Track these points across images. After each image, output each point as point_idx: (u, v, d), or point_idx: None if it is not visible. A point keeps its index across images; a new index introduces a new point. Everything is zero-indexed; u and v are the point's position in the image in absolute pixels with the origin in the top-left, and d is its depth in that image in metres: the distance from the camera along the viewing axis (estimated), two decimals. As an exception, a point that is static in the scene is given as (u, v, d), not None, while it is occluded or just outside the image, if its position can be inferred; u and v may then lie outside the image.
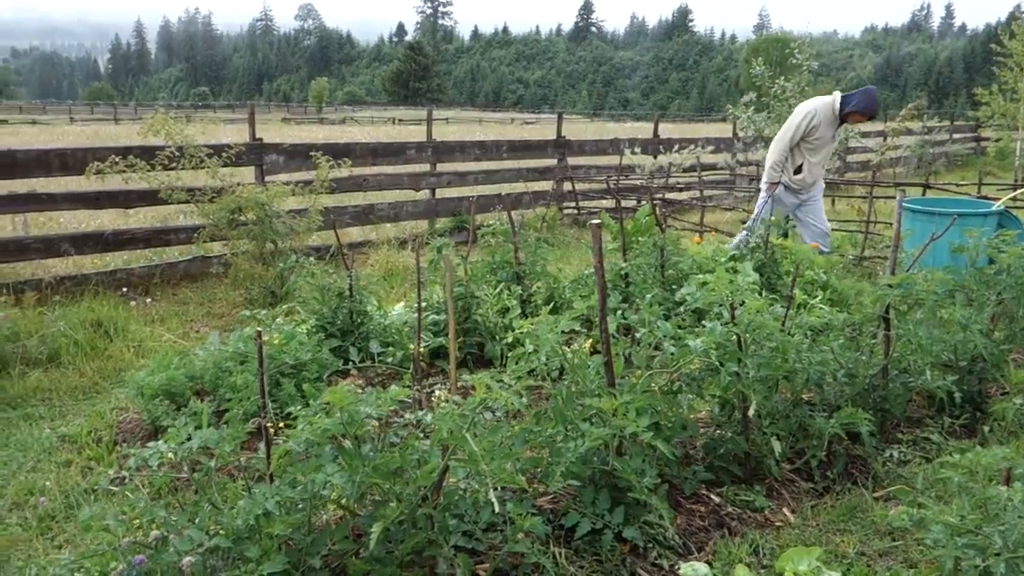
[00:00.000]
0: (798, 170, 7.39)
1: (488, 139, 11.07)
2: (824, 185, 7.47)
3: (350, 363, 4.69)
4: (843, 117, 7.13)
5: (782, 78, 10.05)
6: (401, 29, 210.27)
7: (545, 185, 11.19)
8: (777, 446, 3.51)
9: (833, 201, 11.78)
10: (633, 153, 11.60)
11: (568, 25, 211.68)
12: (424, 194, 9.85)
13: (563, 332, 3.18)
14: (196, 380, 4.38)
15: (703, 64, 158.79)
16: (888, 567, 3.09)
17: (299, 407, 2.83)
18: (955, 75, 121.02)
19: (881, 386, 4.14)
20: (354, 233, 9.33)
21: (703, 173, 11.12)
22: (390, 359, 4.83)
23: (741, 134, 12.18)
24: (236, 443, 2.60)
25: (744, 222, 9.52)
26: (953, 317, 4.26)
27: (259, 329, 2.74)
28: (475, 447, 2.34)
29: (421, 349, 4.80)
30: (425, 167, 9.78)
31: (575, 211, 10.73)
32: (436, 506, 2.58)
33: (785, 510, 3.55)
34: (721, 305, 3.74)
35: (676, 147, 11.83)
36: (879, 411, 4.13)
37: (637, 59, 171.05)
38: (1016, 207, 7.49)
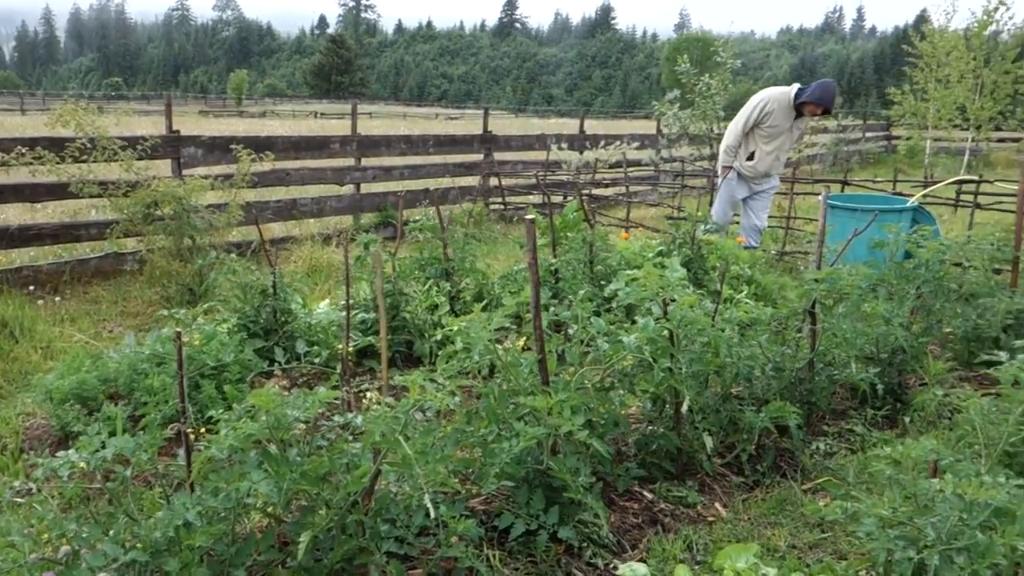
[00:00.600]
0: (751, 157, 7.51)
1: (414, 134, 10.93)
2: (779, 183, 7.56)
3: (274, 364, 4.55)
4: (798, 108, 7.26)
5: (707, 76, 10.15)
6: (323, 21, 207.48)
7: (472, 180, 11.11)
8: (709, 441, 3.51)
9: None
10: (560, 149, 11.60)
11: (492, 21, 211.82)
12: (348, 189, 9.67)
13: (495, 330, 3.12)
14: (110, 383, 4.19)
15: (625, 62, 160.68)
16: (819, 559, 3.11)
17: (221, 411, 2.71)
18: (866, 75, 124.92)
19: (807, 379, 4.19)
20: (276, 229, 9.11)
21: (628, 169, 11.18)
22: (316, 359, 4.70)
23: (665, 130, 12.29)
24: (153, 450, 2.46)
25: (670, 218, 9.62)
26: (875, 311, 4.33)
27: (178, 330, 2.60)
28: (408, 450, 2.25)
29: (349, 348, 4.69)
30: (350, 161, 9.59)
31: (502, 207, 10.68)
32: (367, 512, 2.48)
33: (717, 505, 3.55)
34: (652, 301, 3.72)
35: (602, 143, 11.87)
36: (805, 404, 4.18)
37: (561, 56, 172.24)
38: (928, 203, 7.70)
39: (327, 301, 5.49)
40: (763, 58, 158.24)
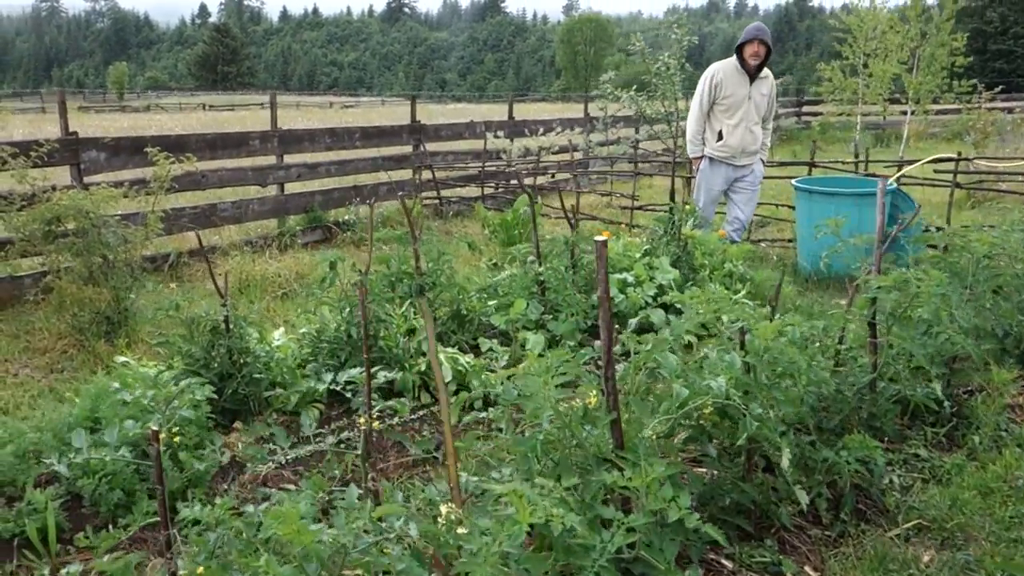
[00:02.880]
0: (720, 137, 6.98)
1: (339, 126, 10.04)
2: (762, 171, 7.00)
3: (235, 418, 3.73)
4: (741, 59, 6.74)
5: (666, 55, 9.59)
6: (204, 10, 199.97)
7: (404, 174, 10.28)
8: (803, 496, 2.88)
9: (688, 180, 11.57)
10: (496, 137, 10.89)
11: (380, 6, 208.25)
12: (272, 190, 8.74)
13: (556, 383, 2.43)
14: (24, 460, 3.31)
15: (517, 44, 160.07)
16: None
17: (196, 507, 1.95)
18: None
19: (869, 401, 3.63)
20: (193, 238, 8.12)
21: (562, 156, 10.56)
22: (280, 405, 3.91)
23: (601, 114, 11.74)
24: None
25: (625, 207, 9.03)
26: (939, 314, 3.80)
27: (154, 428, 1.82)
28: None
29: (319, 388, 3.91)
30: (271, 159, 8.66)
31: (436, 201, 9.90)
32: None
33: (808, 569, 2.95)
34: (727, 327, 3.08)
35: (541, 130, 11.22)
36: (869, 429, 3.62)
37: (452, 40, 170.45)
38: (902, 184, 7.31)
39: (281, 330, 4.66)
40: (653, 38, 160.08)
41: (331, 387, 3.99)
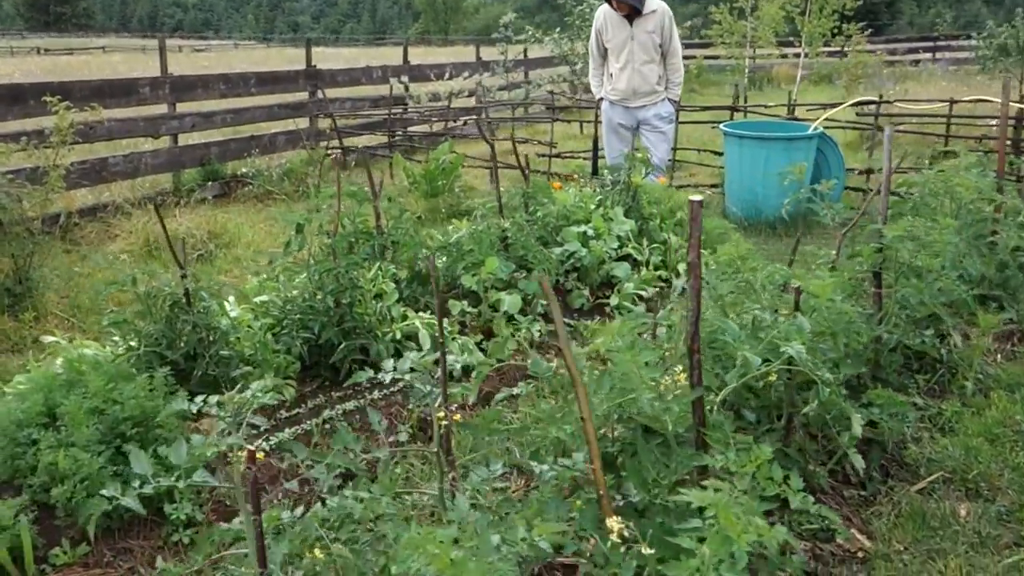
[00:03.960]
0: (612, 79, 6.90)
1: (233, 71, 9.32)
2: (670, 111, 6.84)
3: (202, 401, 3.33)
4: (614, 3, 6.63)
5: None
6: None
7: (301, 123, 9.68)
8: (859, 461, 2.77)
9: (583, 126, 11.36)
10: (400, 82, 10.39)
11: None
12: (165, 141, 8.04)
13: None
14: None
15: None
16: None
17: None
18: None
19: (874, 352, 3.58)
20: (80, 197, 7.37)
21: (468, 101, 10.20)
22: (257, 384, 3.52)
23: (501, 57, 11.39)
24: None
25: (543, 155, 8.77)
26: (929, 264, 3.77)
27: (248, 448, 1.49)
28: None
29: (267, 380, 3.53)
30: (163, 108, 7.94)
31: (339, 152, 9.37)
32: None
33: (855, 532, 2.87)
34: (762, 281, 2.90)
35: (447, 74, 10.77)
36: (875, 380, 3.57)
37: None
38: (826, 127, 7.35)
39: (232, 299, 4.21)
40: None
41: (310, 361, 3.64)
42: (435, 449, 1.99)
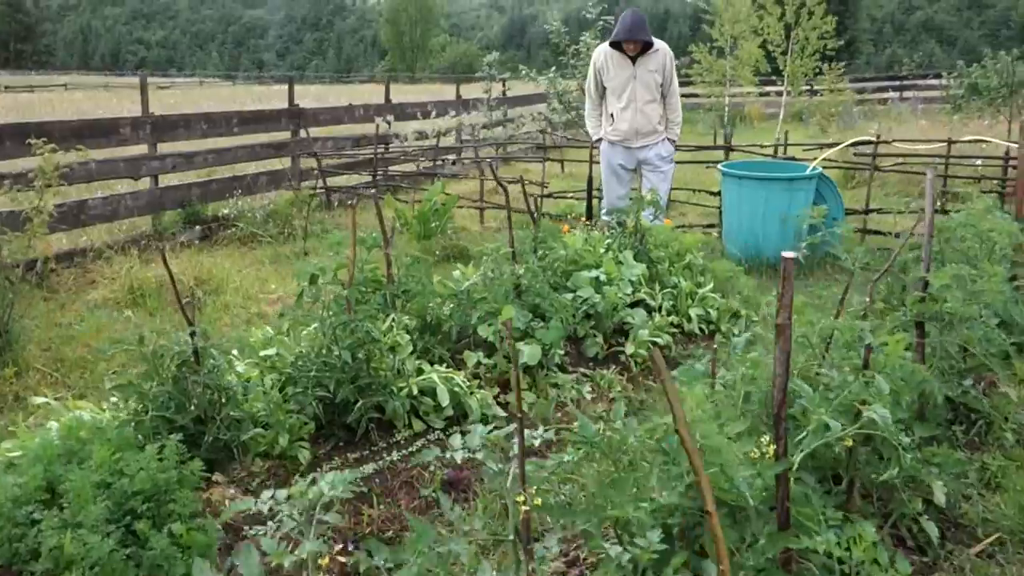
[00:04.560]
0: (612, 120, 6.81)
1: (215, 111, 9.09)
2: (670, 151, 6.73)
3: (212, 470, 3.08)
4: (619, 48, 6.58)
5: (587, 34, 9.20)
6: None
7: (283, 163, 9.46)
8: (933, 529, 2.59)
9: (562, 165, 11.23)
10: (386, 121, 10.21)
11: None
12: (145, 182, 7.77)
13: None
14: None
15: (337, 24, 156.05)
16: None
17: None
18: (571, 34, 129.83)
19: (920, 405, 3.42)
20: (58, 240, 7.07)
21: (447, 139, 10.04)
22: (264, 448, 3.29)
23: (485, 96, 11.28)
24: None
25: (539, 196, 8.59)
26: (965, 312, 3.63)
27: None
28: None
29: (281, 442, 3.30)
30: (143, 149, 7.69)
31: (322, 192, 9.14)
32: None
33: (926, 605, 2.70)
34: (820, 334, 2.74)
35: (433, 112, 10.60)
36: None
37: (268, 18, 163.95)
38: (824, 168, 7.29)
39: (235, 352, 3.97)
40: (475, 19, 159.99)
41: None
42: (511, 537, 1.78)
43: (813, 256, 6.86)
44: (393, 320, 3.91)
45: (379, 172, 9.58)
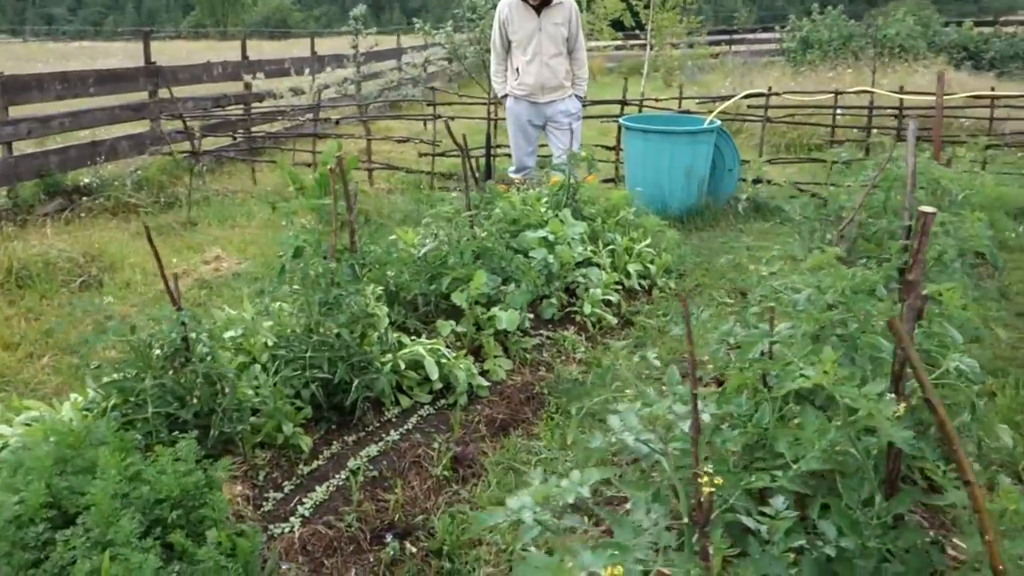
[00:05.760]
0: (517, 74, 6.67)
1: (70, 70, 8.18)
2: (576, 107, 6.65)
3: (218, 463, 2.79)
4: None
5: None
6: None
7: (141, 126, 8.72)
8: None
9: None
10: (254, 78, 9.57)
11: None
12: (-3, 151, 6.97)
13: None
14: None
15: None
16: None
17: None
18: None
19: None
20: None
21: (320, 95, 9.56)
22: (267, 437, 3.03)
23: (352, 51, 10.80)
24: None
25: (423, 154, 8.33)
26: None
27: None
28: None
29: (285, 431, 3.09)
30: (-8, 113, 6.88)
31: (190, 156, 8.50)
32: None
33: None
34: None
35: (292, 69, 10.00)
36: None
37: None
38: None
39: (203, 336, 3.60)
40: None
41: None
42: (685, 520, 1.68)
43: (715, 207, 7.04)
44: (366, 292, 3.67)
45: (248, 133, 9.02)
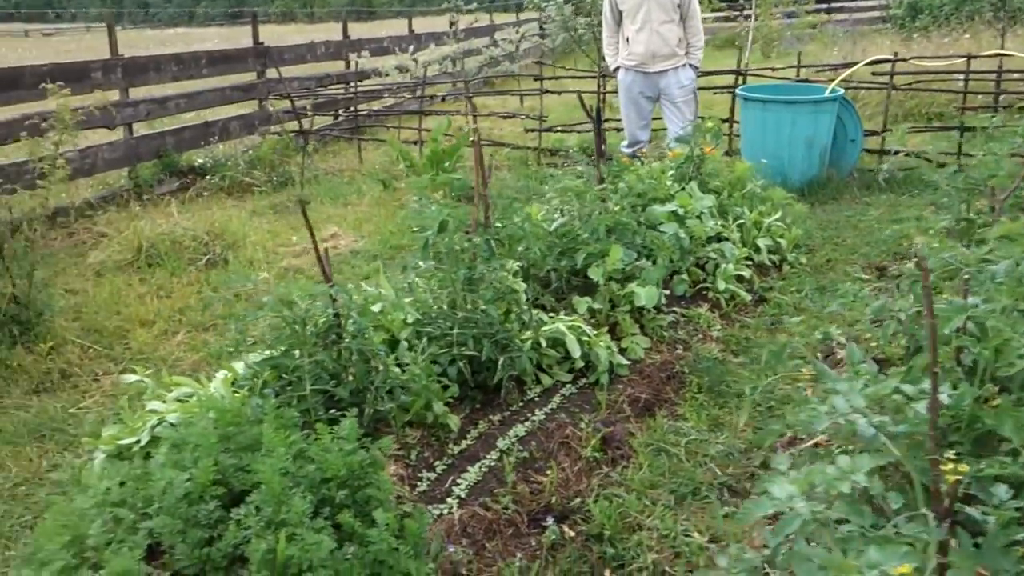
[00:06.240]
0: (628, 44, 6.49)
1: (184, 51, 8.36)
2: (690, 77, 6.45)
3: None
4: None
5: None
6: None
7: (249, 106, 8.83)
8: None
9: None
10: (359, 57, 9.61)
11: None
12: (120, 132, 7.11)
13: None
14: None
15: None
16: None
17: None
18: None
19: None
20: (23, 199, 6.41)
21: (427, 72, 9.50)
22: (416, 416, 2.97)
23: (452, 28, 10.77)
24: None
25: (530, 130, 8.21)
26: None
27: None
28: None
29: (436, 410, 3.02)
30: (115, 95, 7.00)
31: (298, 135, 8.56)
32: None
33: None
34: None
35: (394, 48, 9.98)
36: None
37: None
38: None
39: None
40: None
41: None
42: (923, 510, 1.53)
43: (837, 179, 6.75)
44: (507, 267, 3.58)
45: (355, 112, 9.05)
